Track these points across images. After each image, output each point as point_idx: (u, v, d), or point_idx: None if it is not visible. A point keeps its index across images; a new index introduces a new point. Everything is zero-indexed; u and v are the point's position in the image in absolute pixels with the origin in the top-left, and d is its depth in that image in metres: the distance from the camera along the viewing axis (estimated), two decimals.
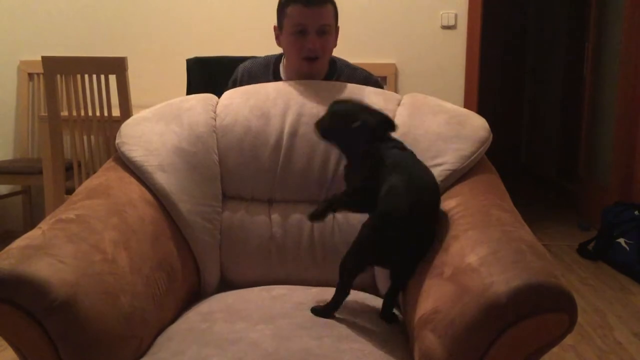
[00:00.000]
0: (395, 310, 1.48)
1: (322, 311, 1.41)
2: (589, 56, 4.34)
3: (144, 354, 1.31)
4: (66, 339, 1.15)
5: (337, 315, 1.41)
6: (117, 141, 1.70)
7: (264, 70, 2.04)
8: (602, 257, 3.43)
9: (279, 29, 1.91)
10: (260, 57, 2.10)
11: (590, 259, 3.47)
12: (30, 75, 3.83)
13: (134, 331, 1.28)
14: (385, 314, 1.45)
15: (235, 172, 1.73)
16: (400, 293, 1.47)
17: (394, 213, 1.34)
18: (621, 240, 3.32)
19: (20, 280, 1.12)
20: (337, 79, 1.95)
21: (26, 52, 3.82)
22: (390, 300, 1.46)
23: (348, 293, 1.41)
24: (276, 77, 2.00)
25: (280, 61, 2.03)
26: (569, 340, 2.41)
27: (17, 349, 1.18)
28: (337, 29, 1.93)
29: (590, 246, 3.55)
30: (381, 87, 1.98)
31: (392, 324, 1.43)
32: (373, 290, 1.64)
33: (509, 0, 6.04)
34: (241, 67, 2.10)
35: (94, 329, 1.17)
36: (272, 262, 1.70)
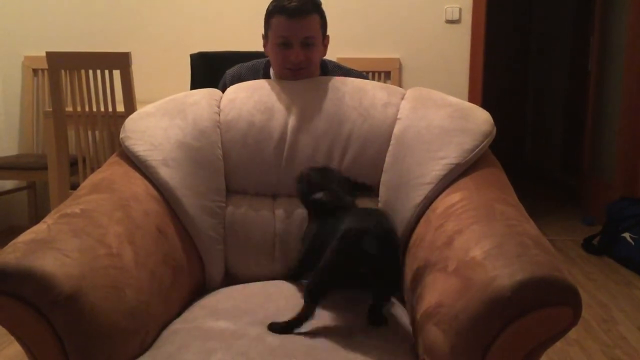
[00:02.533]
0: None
1: (282, 328, 1.31)
2: (594, 49, 4.32)
3: (149, 347, 1.31)
4: (71, 333, 1.15)
5: (344, 309, 1.41)
6: (121, 136, 1.71)
7: (252, 75, 2.03)
8: (606, 252, 3.43)
9: (265, 38, 1.89)
10: (247, 62, 2.09)
11: (595, 253, 3.46)
12: (35, 70, 3.84)
13: (138, 325, 1.28)
14: (372, 319, 1.37)
15: (239, 166, 1.73)
16: (403, 288, 1.47)
17: (355, 233, 1.31)
18: (626, 235, 3.31)
19: (25, 274, 1.12)
20: None
21: (30, 48, 3.83)
22: (374, 308, 1.38)
23: (312, 315, 1.31)
24: None
25: (270, 66, 2.01)
26: (573, 334, 2.41)
27: (22, 343, 1.18)
28: (326, 37, 1.89)
29: (595, 241, 3.54)
30: None
31: (380, 327, 1.36)
32: None
33: None
34: (229, 72, 2.10)
35: (99, 323, 1.17)
36: (276, 256, 1.70)
